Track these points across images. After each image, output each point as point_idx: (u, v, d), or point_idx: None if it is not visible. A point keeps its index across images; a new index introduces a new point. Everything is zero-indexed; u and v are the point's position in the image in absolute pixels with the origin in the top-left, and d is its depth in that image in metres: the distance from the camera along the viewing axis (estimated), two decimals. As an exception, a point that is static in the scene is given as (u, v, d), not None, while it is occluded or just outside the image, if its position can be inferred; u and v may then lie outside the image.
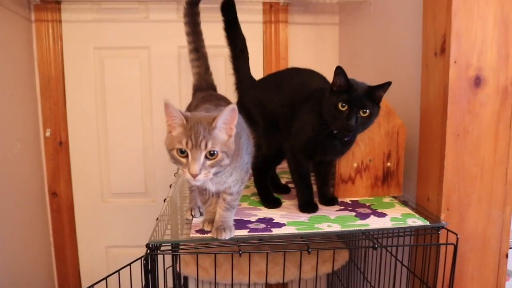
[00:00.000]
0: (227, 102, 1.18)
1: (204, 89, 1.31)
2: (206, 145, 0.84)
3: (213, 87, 1.35)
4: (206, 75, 1.34)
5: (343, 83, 1.06)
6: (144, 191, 2.14)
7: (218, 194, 1.03)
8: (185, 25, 1.33)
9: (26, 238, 1.88)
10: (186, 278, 1.66)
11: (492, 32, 1.07)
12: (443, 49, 1.09)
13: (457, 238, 1.04)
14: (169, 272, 1.39)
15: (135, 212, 2.14)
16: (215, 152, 0.85)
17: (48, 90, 2.00)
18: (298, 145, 1.18)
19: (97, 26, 2.00)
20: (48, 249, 2.10)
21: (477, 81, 1.08)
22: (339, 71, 1.06)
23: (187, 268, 1.46)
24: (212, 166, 0.86)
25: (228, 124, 0.87)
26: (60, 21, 1.98)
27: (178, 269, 1.46)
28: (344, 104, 1.06)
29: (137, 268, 1.10)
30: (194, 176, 0.84)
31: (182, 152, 0.85)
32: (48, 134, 2.02)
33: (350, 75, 1.10)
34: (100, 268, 2.16)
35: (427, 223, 1.08)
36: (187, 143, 0.84)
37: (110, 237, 2.15)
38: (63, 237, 2.11)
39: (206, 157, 0.85)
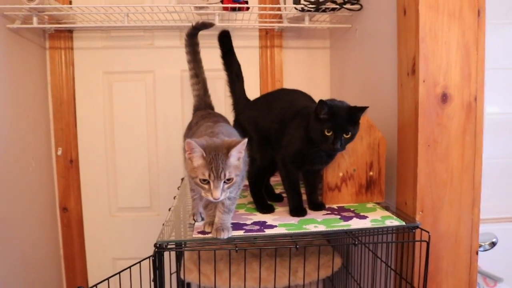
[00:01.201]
0: (223, 118, 1.32)
1: (203, 109, 1.44)
2: (225, 175, 1.01)
3: (211, 107, 1.49)
4: (205, 97, 1.49)
5: (326, 113, 1.19)
6: (149, 205, 2.25)
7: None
8: (186, 54, 1.48)
9: (38, 250, 1.97)
10: (189, 285, 1.76)
11: (455, 55, 1.22)
12: (414, 70, 1.24)
13: (429, 236, 1.16)
14: (174, 279, 1.50)
15: (141, 226, 2.23)
16: (232, 178, 1.03)
17: (60, 112, 2.13)
18: (288, 157, 1.31)
19: (106, 52, 2.14)
20: (58, 261, 2.20)
21: (444, 98, 1.22)
22: (323, 105, 1.18)
23: (190, 274, 1.56)
24: (229, 187, 1.04)
25: (239, 153, 1.05)
26: (72, 48, 2.12)
27: (181, 276, 1.57)
28: (329, 130, 1.19)
29: (144, 271, 1.23)
30: (217, 199, 1.02)
31: (205, 180, 1.02)
32: (59, 153, 2.14)
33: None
34: (107, 280, 2.26)
35: (403, 223, 1.20)
36: (209, 175, 1.01)
37: (117, 249, 2.25)
38: (72, 249, 2.21)
39: (224, 182, 1.03)
